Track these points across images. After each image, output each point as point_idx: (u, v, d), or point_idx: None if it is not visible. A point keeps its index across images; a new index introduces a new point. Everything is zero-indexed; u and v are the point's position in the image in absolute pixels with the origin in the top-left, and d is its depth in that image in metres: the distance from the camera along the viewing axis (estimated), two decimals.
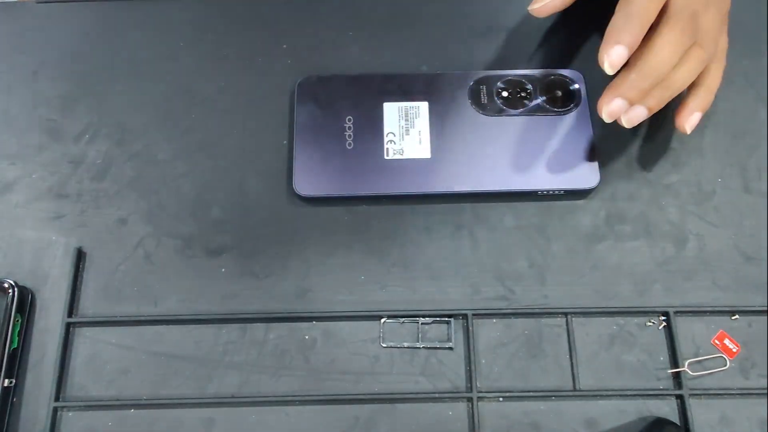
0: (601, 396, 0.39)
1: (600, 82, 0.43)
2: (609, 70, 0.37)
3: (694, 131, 0.44)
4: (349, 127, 0.43)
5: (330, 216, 0.43)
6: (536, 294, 0.41)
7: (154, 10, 0.48)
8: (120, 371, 0.40)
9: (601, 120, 0.40)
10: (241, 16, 0.48)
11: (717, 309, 0.41)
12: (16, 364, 0.39)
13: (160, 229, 0.42)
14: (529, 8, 0.42)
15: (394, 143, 0.43)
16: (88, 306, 0.41)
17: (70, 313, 0.40)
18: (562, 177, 0.42)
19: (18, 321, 0.39)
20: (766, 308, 0.40)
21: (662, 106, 0.40)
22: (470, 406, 0.39)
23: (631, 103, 0.38)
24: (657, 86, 0.38)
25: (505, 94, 0.44)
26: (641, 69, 0.37)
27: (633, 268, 0.42)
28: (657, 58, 0.37)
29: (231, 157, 0.44)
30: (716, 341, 0.40)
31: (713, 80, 0.41)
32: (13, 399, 0.39)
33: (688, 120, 0.41)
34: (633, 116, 0.39)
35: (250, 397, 0.39)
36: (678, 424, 0.38)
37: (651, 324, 0.41)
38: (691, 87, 0.41)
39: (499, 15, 0.48)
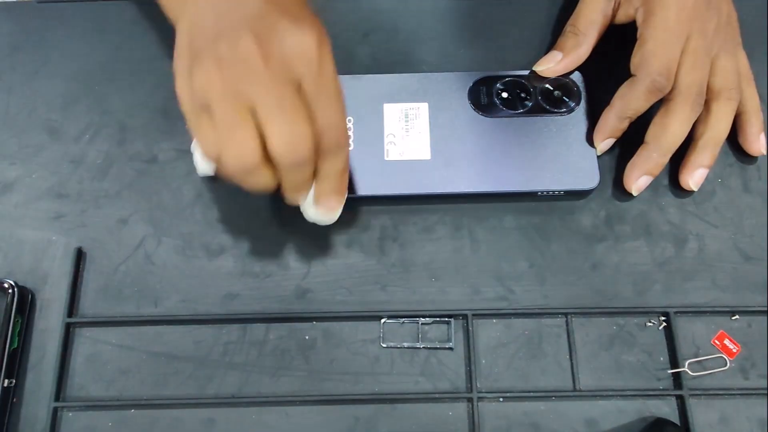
0: (601, 396, 0.39)
1: (599, 83, 0.44)
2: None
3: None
4: (350, 128, 0.43)
5: None
6: (536, 294, 0.41)
7: (154, 10, 0.48)
8: (120, 371, 0.40)
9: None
10: None
11: (717, 309, 0.41)
12: (16, 364, 0.39)
13: (160, 229, 0.42)
14: (534, 67, 0.44)
15: (395, 144, 0.42)
16: (88, 306, 0.41)
17: (70, 313, 0.40)
18: (561, 178, 0.42)
19: (18, 321, 0.39)
20: (766, 308, 0.41)
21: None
22: (470, 406, 0.39)
23: (655, 176, 0.42)
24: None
25: (504, 95, 0.44)
26: (660, 147, 0.41)
27: (633, 268, 0.42)
28: (672, 137, 0.41)
29: None
30: (716, 341, 0.40)
31: (720, 128, 0.42)
32: (13, 399, 0.39)
33: (692, 176, 0.43)
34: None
35: (250, 397, 0.39)
36: (678, 424, 0.38)
37: (651, 324, 0.41)
38: (696, 139, 0.42)
39: (499, 16, 0.48)
